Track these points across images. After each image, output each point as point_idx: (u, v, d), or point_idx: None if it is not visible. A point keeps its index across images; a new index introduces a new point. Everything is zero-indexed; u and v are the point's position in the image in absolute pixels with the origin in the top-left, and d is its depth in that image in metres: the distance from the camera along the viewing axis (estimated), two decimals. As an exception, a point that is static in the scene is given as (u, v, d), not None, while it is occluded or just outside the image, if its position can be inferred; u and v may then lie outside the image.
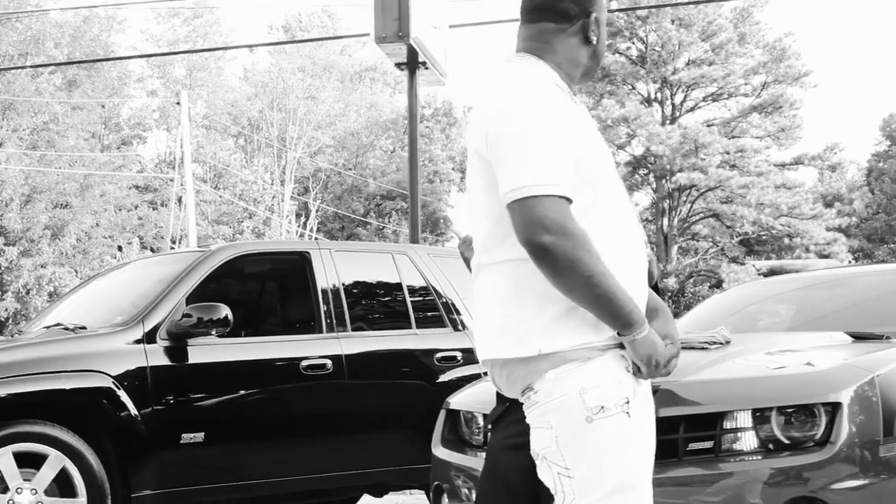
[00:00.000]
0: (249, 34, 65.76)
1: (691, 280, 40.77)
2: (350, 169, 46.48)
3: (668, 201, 41.87)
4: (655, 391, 4.37)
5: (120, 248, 34.86)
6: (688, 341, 4.94)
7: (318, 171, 45.03)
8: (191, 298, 6.70)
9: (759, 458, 4.11)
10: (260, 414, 6.78)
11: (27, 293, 30.99)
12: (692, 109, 43.12)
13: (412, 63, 11.92)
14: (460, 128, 49.84)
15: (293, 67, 42.09)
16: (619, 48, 42.25)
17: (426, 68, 11.95)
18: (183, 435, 6.43)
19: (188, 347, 6.55)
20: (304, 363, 6.83)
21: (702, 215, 42.25)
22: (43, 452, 5.97)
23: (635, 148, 41.95)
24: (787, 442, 4.13)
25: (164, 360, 6.44)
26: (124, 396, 6.23)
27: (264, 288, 7.99)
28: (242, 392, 6.72)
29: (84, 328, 6.63)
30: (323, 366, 6.85)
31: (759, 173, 39.68)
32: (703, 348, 4.80)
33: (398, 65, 11.87)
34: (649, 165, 41.42)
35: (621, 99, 40.61)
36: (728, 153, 39.70)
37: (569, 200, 2.66)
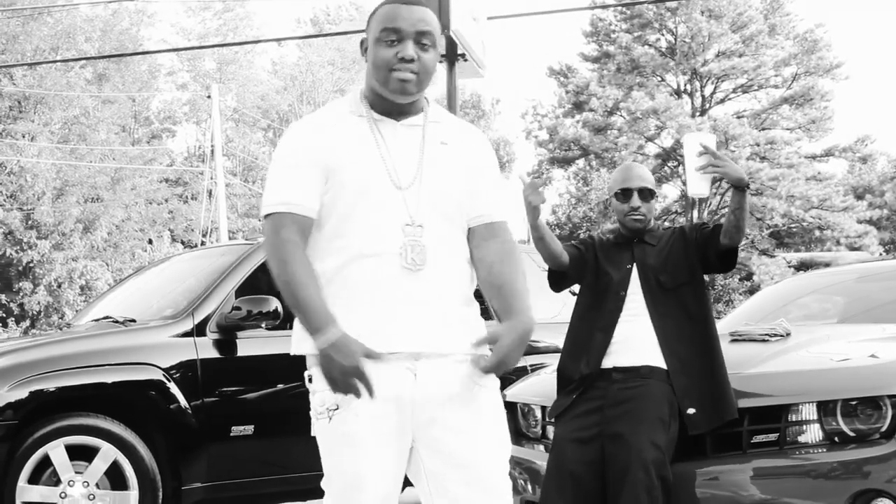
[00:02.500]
0: (278, 28, 65.89)
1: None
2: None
3: (697, 193, 41.64)
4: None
5: (151, 242, 35.02)
6: (748, 333, 4.93)
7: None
8: (240, 291, 6.70)
9: (824, 450, 4.09)
10: (308, 407, 6.77)
11: (59, 287, 31.18)
12: (722, 101, 42.92)
13: (451, 55, 11.85)
14: (489, 120, 49.81)
15: (322, 61, 42.16)
16: (649, 40, 42.11)
17: (465, 60, 11.89)
18: (233, 428, 6.44)
19: (237, 340, 6.56)
20: (353, 355, 6.80)
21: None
22: (95, 445, 6.00)
23: (665, 140, 41.81)
24: (852, 435, 4.10)
25: (213, 353, 6.45)
26: (174, 389, 6.25)
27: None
28: (292, 385, 6.72)
29: (133, 321, 6.65)
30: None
31: (790, 165, 39.47)
32: (763, 340, 4.78)
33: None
34: (679, 158, 41.25)
35: (651, 91, 40.44)
36: (758, 145, 39.49)
37: (296, 215, 2.98)
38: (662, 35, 42.20)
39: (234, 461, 6.45)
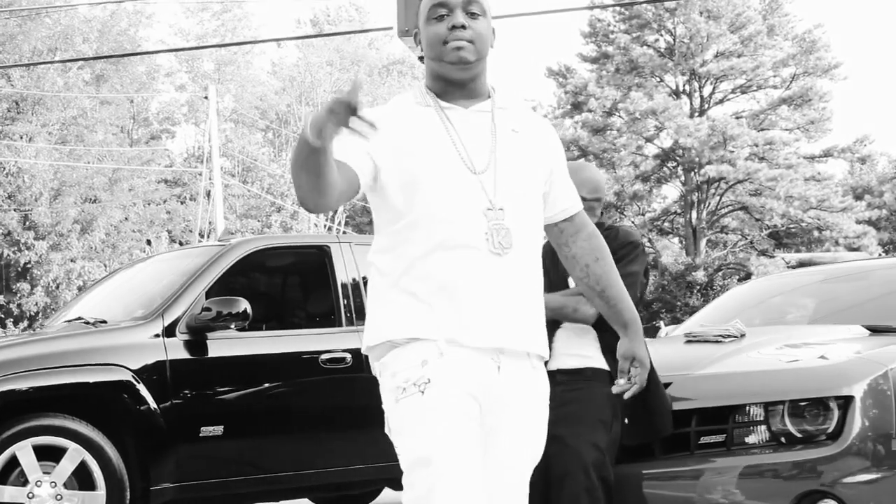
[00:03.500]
0: (277, 28, 65.93)
1: (720, 273, 40.59)
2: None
3: (696, 194, 41.70)
4: (667, 385, 4.39)
5: (149, 242, 35.04)
6: (702, 334, 4.94)
7: (347, 165, 44.88)
8: (211, 292, 6.73)
9: (771, 451, 4.11)
10: (279, 407, 6.81)
11: (57, 287, 31.22)
12: (721, 102, 42.92)
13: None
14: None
15: (321, 61, 42.19)
16: (647, 40, 42.11)
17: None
18: (202, 428, 6.46)
19: (208, 341, 6.58)
20: (324, 357, 6.84)
21: (731, 208, 42.09)
22: (62, 446, 6.02)
23: (664, 140, 41.82)
24: (799, 436, 4.12)
25: (183, 354, 6.47)
26: (143, 390, 6.27)
27: (284, 282, 8.03)
28: (262, 385, 6.75)
29: (104, 322, 6.68)
30: (343, 359, 6.86)
31: (788, 166, 39.47)
32: (717, 341, 4.79)
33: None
34: (678, 158, 41.26)
35: (649, 91, 40.45)
36: (757, 145, 39.48)
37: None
38: (661, 35, 42.21)
39: (203, 461, 6.47)
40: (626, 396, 3.47)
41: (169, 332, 6.48)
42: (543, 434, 3.06)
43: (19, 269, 31.37)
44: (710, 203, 41.95)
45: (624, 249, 4.51)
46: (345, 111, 2.58)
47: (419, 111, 3.02)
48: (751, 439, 4.19)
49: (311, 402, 6.87)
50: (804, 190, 39.09)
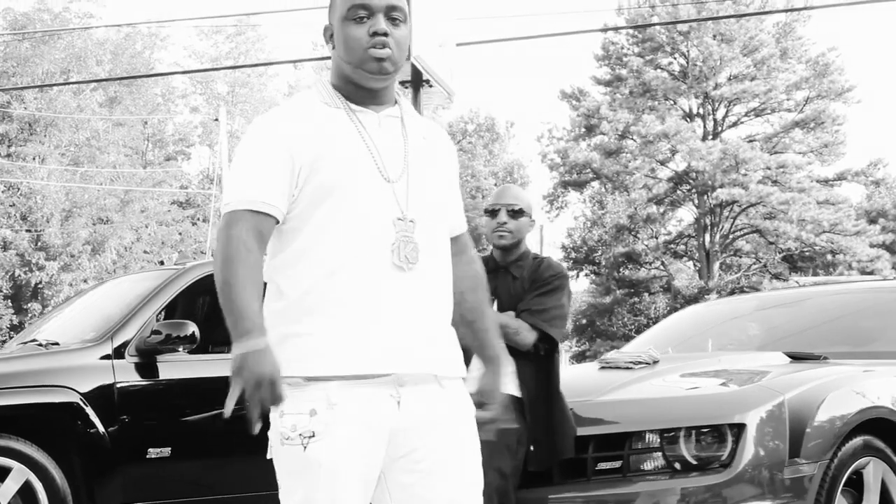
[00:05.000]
0: (294, 51, 66.18)
1: (734, 296, 40.51)
2: (392, 184, 46.58)
3: (709, 217, 41.64)
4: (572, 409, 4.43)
5: (162, 263, 35.16)
6: (615, 360, 4.98)
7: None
8: (163, 316, 6.81)
9: (665, 478, 4.14)
10: (228, 429, 6.83)
11: (68, 308, 31.34)
12: (734, 125, 42.89)
13: (416, 81, 12.00)
14: (503, 143, 49.92)
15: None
16: (661, 63, 42.15)
17: (430, 86, 12.03)
18: (150, 450, 6.52)
19: (158, 364, 6.64)
20: (274, 380, 6.88)
21: (744, 231, 42.00)
22: (6, 466, 6.07)
23: (678, 164, 41.80)
24: (694, 463, 4.14)
25: (131, 377, 6.54)
26: (90, 411, 6.33)
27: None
28: (211, 407, 6.80)
29: (57, 344, 6.76)
30: (293, 382, 6.91)
31: (801, 189, 39.37)
32: (628, 368, 4.83)
33: (402, 83, 11.95)
34: (691, 181, 41.21)
35: (662, 114, 40.45)
36: (769, 169, 39.42)
37: (256, 213, 2.76)
38: (674, 59, 42.24)
39: (150, 483, 6.53)
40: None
41: (118, 354, 6.54)
42: (472, 453, 2.89)
43: (31, 289, 31.58)
44: (723, 226, 41.87)
45: (558, 280, 4.58)
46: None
47: (328, 113, 2.85)
48: (646, 466, 4.22)
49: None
50: (817, 213, 38.98)
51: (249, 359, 2.66)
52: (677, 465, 4.16)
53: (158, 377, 6.64)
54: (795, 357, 5.13)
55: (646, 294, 44.94)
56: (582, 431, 4.30)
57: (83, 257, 31.72)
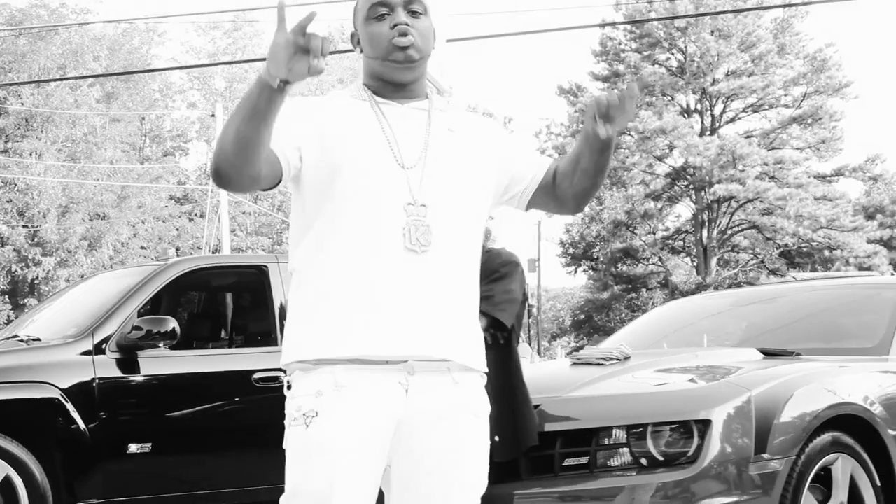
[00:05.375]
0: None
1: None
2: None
3: (707, 213, 41.66)
4: (537, 406, 4.45)
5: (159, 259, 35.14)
6: (587, 357, 4.99)
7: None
8: (145, 311, 6.83)
9: (631, 474, 4.14)
10: (209, 425, 6.88)
11: (64, 303, 31.36)
12: (732, 120, 42.92)
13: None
14: (501, 139, 49.79)
15: (332, 79, 42.31)
16: (659, 59, 42.17)
17: (420, 82, 12.01)
18: (130, 445, 6.54)
19: (140, 360, 6.66)
20: (257, 375, 6.92)
21: (742, 227, 42.03)
22: (-14, 461, 6.11)
23: (676, 159, 41.82)
24: (661, 458, 4.15)
25: (112, 372, 6.56)
26: (71, 407, 6.35)
27: (221, 301, 8.10)
28: (192, 403, 6.82)
29: (38, 340, 6.78)
30: (276, 378, 6.93)
31: (798, 185, 39.39)
32: (599, 364, 4.84)
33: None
34: (688, 177, 41.23)
35: (659, 110, 40.47)
36: (767, 164, 39.44)
37: None
38: (672, 54, 42.25)
39: (130, 478, 6.55)
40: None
41: (98, 350, 6.57)
42: (476, 455, 2.86)
43: (27, 285, 31.61)
44: (720, 222, 41.89)
45: (506, 268, 4.63)
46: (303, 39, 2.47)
47: (354, 104, 2.90)
48: (613, 462, 4.22)
49: (242, 420, 6.95)
50: (814, 209, 39.01)
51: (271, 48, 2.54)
52: (644, 461, 4.16)
53: (139, 373, 6.66)
54: (769, 353, 5.14)
55: (643, 290, 45.01)
56: (549, 427, 4.30)
57: (80, 253, 31.76)
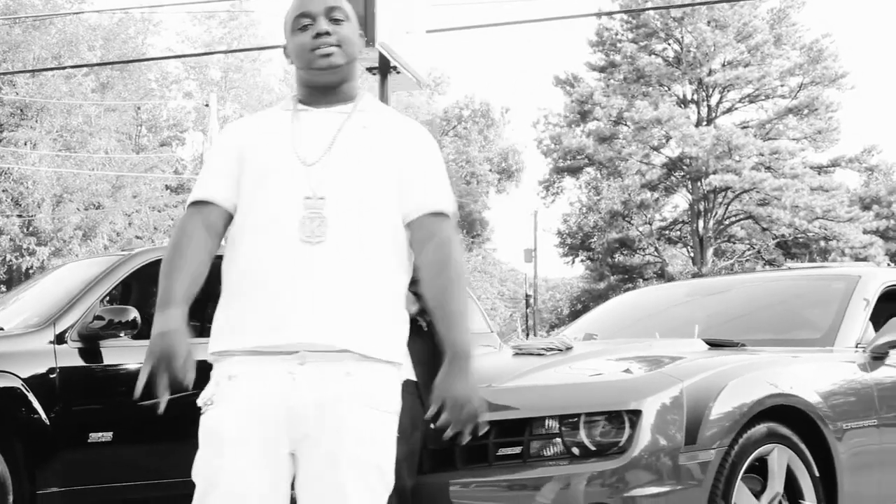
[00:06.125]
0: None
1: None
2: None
3: (703, 203, 41.68)
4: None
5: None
6: (528, 347, 5.02)
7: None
8: (109, 301, 6.86)
9: (562, 464, 4.16)
10: (171, 414, 6.87)
11: (58, 292, 31.39)
12: (728, 111, 42.92)
13: (383, 68, 12.01)
14: (498, 129, 49.87)
15: (329, 69, 42.26)
16: (655, 49, 42.15)
17: (398, 73, 12.05)
18: (91, 434, 6.57)
19: (102, 349, 6.69)
20: (218, 364, 6.94)
21: (738, 217, 42.03)
22: (-56, 449, 6.14)
23: (674, 150, 41.82)
24: (593, 448, 4.16)
25: (73, 362, 6.59)
26: (32, 397, 6.38)
27: (186, 291, 8.11)
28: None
29: (1, 329, 6.81)
30: (237, 367, 6.95)
31: (794, 176, 39.40)
32: (540, 354, 4.86)
33: (369, 69, 11.97)
34: (684, 167, 41.24)
35: (655, 101, 40.46)
36: (762, 155, 39.45)
37: (198, 203, 3.03)
38: (669, 45, 42.23)
39: (92, 467, 6.58)
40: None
41: (60, 339, 6.60)
42: (367, 446, 2.88)
43: (22, 274, 31.65)
44: (716, 212, 41.90)
45: None
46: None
47: (276, 115, 3.09)
48: (546, 452, 4.24)
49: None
50: (809, 200, 39.01)
51: (157, 336, 2.88)
52: (576, 451, 4.18)
53: (101, 362, 6.68)
54: (714, 344, 5.16)
55: (640, 280, 45.02)
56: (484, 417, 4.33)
57: (74, 242, 31.78)
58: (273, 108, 3.14)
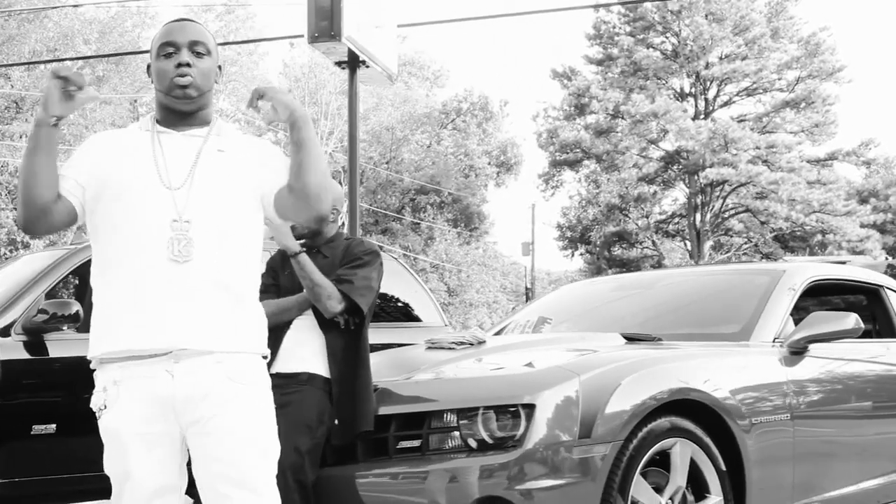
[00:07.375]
0: (289, 28, 66.13)
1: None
2: (385, 163, 46.70)
3: (700, 196, 41.66)
4: (375, 389, 4.55)
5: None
6: (439, 341, 5.08)
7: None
8: (53, 294, 6.92)
9: (459, 456, 4.20)
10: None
11: (53, 285, 31.47)
12: (726, 104, 42.88)
13: (352, 62, 12.06)
14: (497, 122, 49.81)
15: (327, 62, 42.30)
16: (653, 42, 42.12)
17: (367, 67, 12.10)
18: (34, 426, 6.64)
19: (47, 343, 6.75)
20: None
21: (735, 211, 42.01)
22: None
23: (671, 143, 41.80)
24: (491, 442, 4.21)
25: (16, 355, 6.64)
26: (-26, 389, 6.45)
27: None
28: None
29: (-52, 323, 6.87)
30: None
31: (791, 169, 39.37)
32: (450, 348, 4.92)
33: (337, 63, 12.04)
34: (681, 161, 41.22)
35: (652, 94, 40.44)
36: (759, 148, 39.42)
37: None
38: (666, 38, 42.19)
39: (34, 459, 6.64)
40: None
41: (5, 333, 6.66)
42: (247, 416, 3.20)
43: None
44: (713, 206, 41.88)
45: (368, 256, 4.75)
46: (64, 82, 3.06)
47: (137, 134, 3.33)
48: (444, 445, 4.29)
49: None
50: (807, 193, 38.98)
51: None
52: (473, 444, 4.23)
53: (45, 356, 6.74)
54: (631, 338, 5.21)
55: (637, 273, 44.96)
56: (384, 410, 4.39)
57: (69, 236, 31.81)
58: (131, 128, 3.38)
